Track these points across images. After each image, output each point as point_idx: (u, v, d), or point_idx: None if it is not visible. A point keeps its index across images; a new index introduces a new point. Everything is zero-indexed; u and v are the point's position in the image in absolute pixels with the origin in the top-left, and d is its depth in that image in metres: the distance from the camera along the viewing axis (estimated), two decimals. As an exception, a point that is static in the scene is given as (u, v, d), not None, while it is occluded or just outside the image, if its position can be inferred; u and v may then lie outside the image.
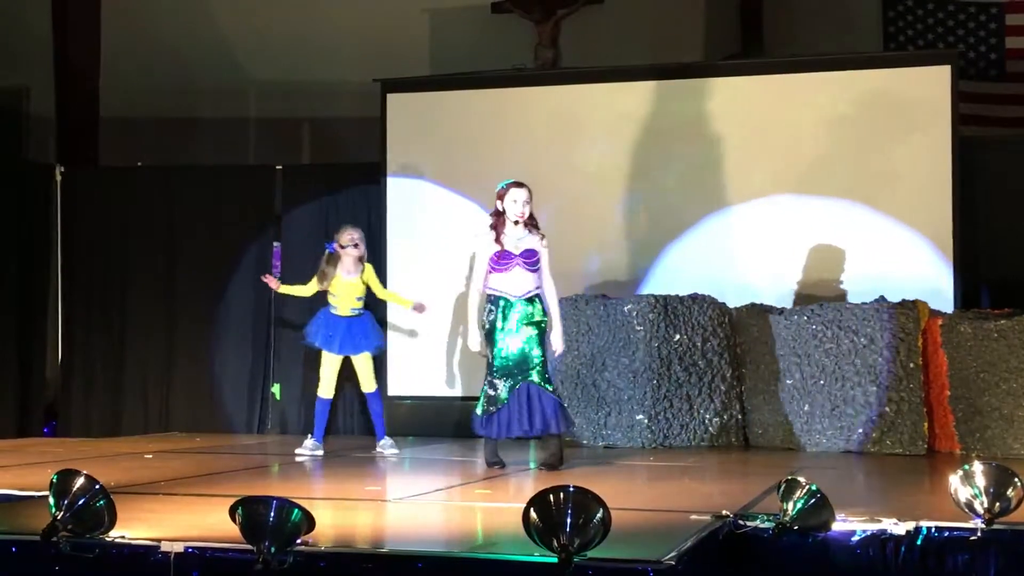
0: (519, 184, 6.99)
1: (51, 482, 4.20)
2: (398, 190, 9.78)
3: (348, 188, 10.03)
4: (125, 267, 10.26)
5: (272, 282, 8.42)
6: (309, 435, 8.16)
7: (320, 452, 8.00)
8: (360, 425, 9.73)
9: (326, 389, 8.13)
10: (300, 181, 10.28)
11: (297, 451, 8.03)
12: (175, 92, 11.74)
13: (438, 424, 9.33)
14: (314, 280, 8.17)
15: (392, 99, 9.84)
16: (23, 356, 10.07)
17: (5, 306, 9.93)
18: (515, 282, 6.86)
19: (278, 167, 10.29)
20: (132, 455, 7.78)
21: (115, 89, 11.48)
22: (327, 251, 8.15)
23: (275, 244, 10.16)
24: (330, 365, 8.11)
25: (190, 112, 11.83)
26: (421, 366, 9.62)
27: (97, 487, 4.16)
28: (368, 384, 8.15)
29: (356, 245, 8.01)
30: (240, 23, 11.81)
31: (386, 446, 8.03)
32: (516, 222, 6.90)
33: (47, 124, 11.50)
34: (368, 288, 8.17)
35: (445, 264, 9.47)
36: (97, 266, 10.30)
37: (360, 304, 8.10)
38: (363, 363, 8.13)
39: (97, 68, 11.43)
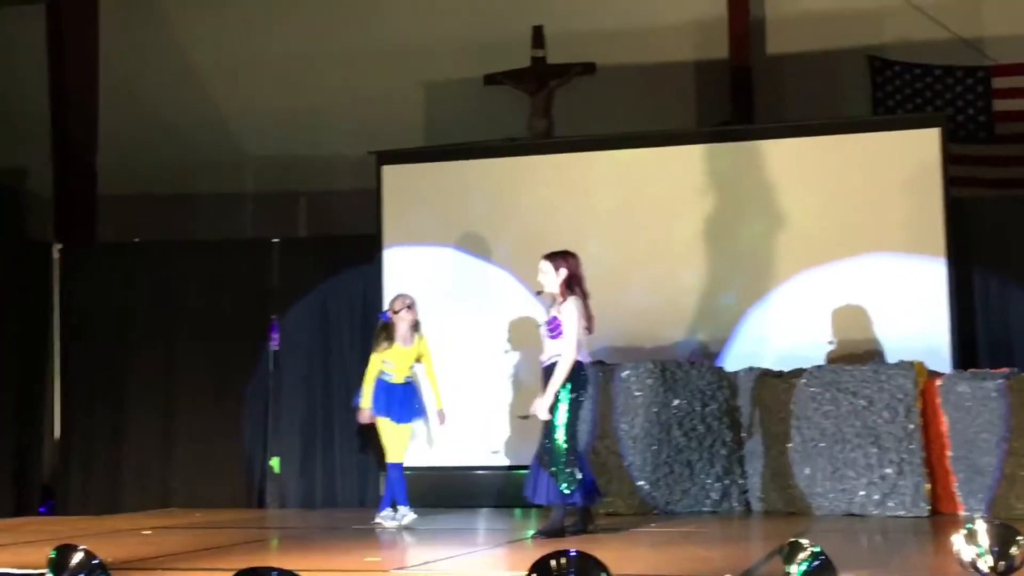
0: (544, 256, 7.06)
1: (50, 558, 4.18)
2: (395, 260, 9.82)
3: (345, 260, 10.08)
4: (123, 343, 10.27)
5: (364, 416, 8.15)
6: (393, 505, 7.97)
7: (412, 516, 7.89)
8: (356, 496, 9.69)
9: (395, 454, 8.02)
10: (297, 254, 10.34)
11: (386, 523, 7.85)
12: (172, 168, 11.85)
13: (435, 495, 9.24)
14: (373, 357, 8.04)
15: (387, 171, 9.93)
16: (21, 434, 10.04)
17: (3, 383, 9.92)
18: (544, 351, 6.96)
19: (275, 240, 10.35)
20: (131, 531, 7.73)
21: (113, 166, 11.59)
22: (380, 320, 8.13)
23: (272, 317, 10.19)
24: (389, 433, 8.03)
25: (187, 188, 11.92)
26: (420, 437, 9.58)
27: (95, 562, 4.15)
28: (399, 455, 8.04)
29: (410, 307, 7.99)
30: (236, 99, 11.95)
31: (406, 517, 7.92)
32: (538, 292, 7.11)
33: (45, 203, 11.59)
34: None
35: (445, 333, 9.47)
36: (95, 342, 10.30)
37: (411, 373, 8.06)
38: (404, 432, 8.06)
39: (95, 145, 11.55)
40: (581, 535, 6.86)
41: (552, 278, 6.96)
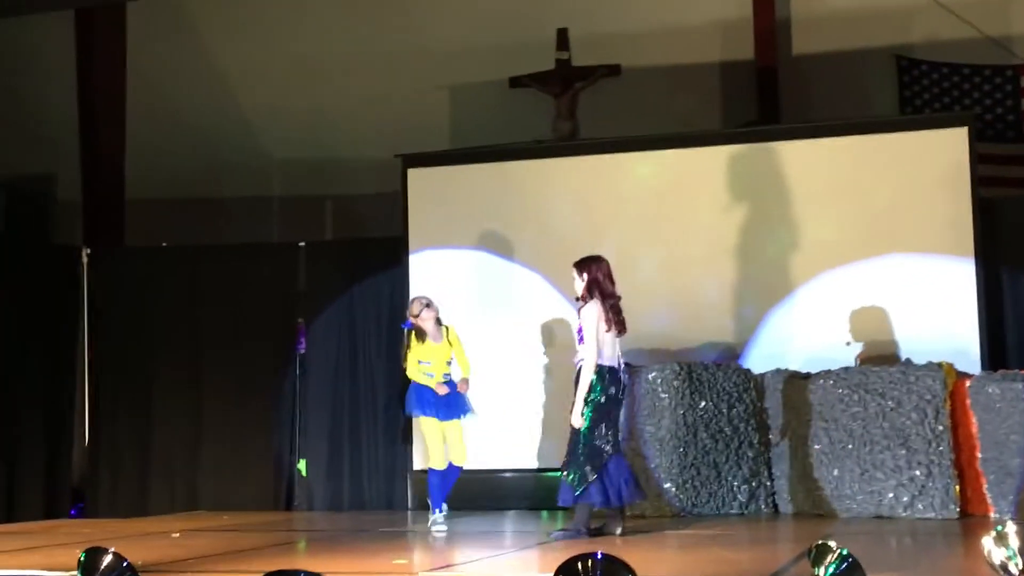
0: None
1: (79, 560, 4.21)
2: (421, 263, 9.83)
3: (371, 263, 10.11)
4: (151, 346, 10.33)
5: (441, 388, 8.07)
6: (436, 510, 7.95)
7: (436, 520, 7.85)
8: (384, 499, 9.71)
9: (437, 460, 7.99)
10: (323, 258, 10.37)
11: (435, 528, 7.81)
12: (199, 172, 11.92)
13: (463, 497, 9.22)
14: (408, 362, 8.04)
15: (413, 174, 9.94)
16: (50, 437, 10.12)
17: (32, 387, 10.01)
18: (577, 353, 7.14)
19: (301, 244, 10.38)
20: (160, 534, 7.77)
21: (140, 170, 11.67)
22: (405, 330, 8.12)
23: (299, 321, 10.22)
24: (432, 433, 8.01)
25: (214, 192, 11.99)
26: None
27: (125, 564, 4.17)
28: (460, 455, 8.00)
29: (428, 306, 7.98)
30: (262, 103, 12.01)
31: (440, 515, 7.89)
32: (576, 299, 7.24)
33: (74, 207, 11.67)
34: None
35: (472, 335, 9.45)
36: (123, 346, 10.36)
37: (450, 369, 8.02)
38: (453, 430, 8.02)
39: (123, 150, 11.63)
40: (603, 536, 6.90)
41: (579, 284, 7.12)
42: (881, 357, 8.65)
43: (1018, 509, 7.62)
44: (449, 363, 8.07)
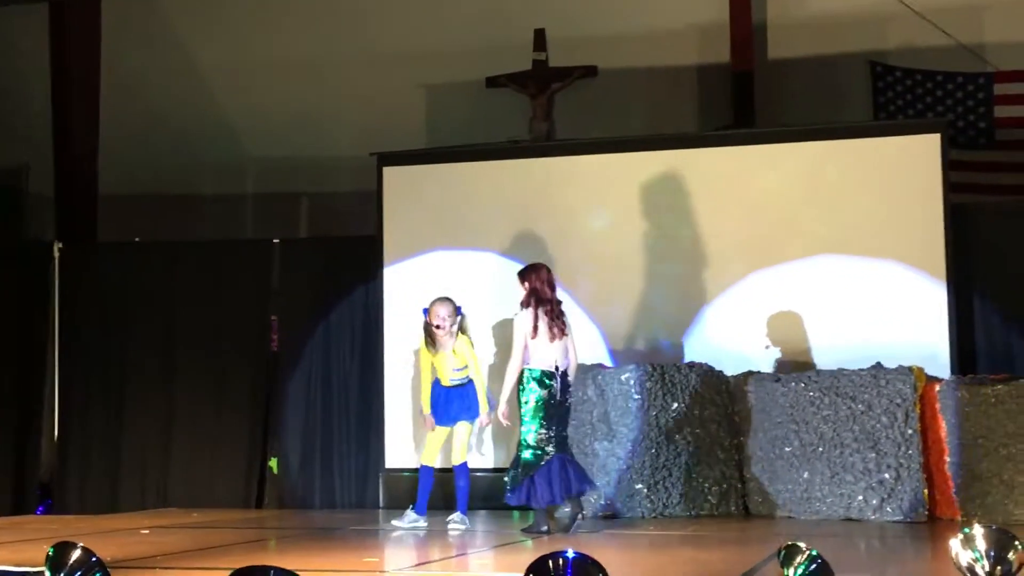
0: None
1: (47, 556, 4.18)
2: (395, 262, 9.81)
3: (346, 261, 10.08)
4: (123, 342, 10.27)
5: (428, 423, 8.00)
6: (411, 507, 7.92)
7: (423, 525, 7.75)
8: (355, 498, 9.69)
9: (427, 456, 7.95)
10: (298, 255, 10.34)
11: (394, 522, 7.82)
12: (174, 168, 11.87)
13: (434, 495, 9.21)
14: (423, 355, 7.96)
15: (388, 172, 9.92)
16: (19, 433, 10.05)
17: (2, 381, 9.92)
18: None
19: (276, 241, 10.35)
20: (128, 531, 7.73)
21: (114, 165, 11.60)
22: (424, 316, 8.03)
23: (273, 318, 10.19)
24: (432, 434, 7.97)
25: (189, 188, 11.94)
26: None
27: (94, 559, 4.15)
28: (455, 455, 7.92)
29: (439, 327, 7.80)
30: (238, 100, 11.97)
31: (454, 520, 7.75)
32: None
33: (46, 202, 11.59)
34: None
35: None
36: (94, 341, 10.30)
37: (460, 375, 7.89)
38: (456, 434, 7.95)
39: (96, 145, 11.55)
40: (569, 530, 7.20)
41: (521, 292, 7.49)
42: (852, 361, 8.66)
43: (987, 512, 7.67)
44: (458, 369, 7.90)
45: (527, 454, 7.27)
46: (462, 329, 7.91)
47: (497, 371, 9.13)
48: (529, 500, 7.28)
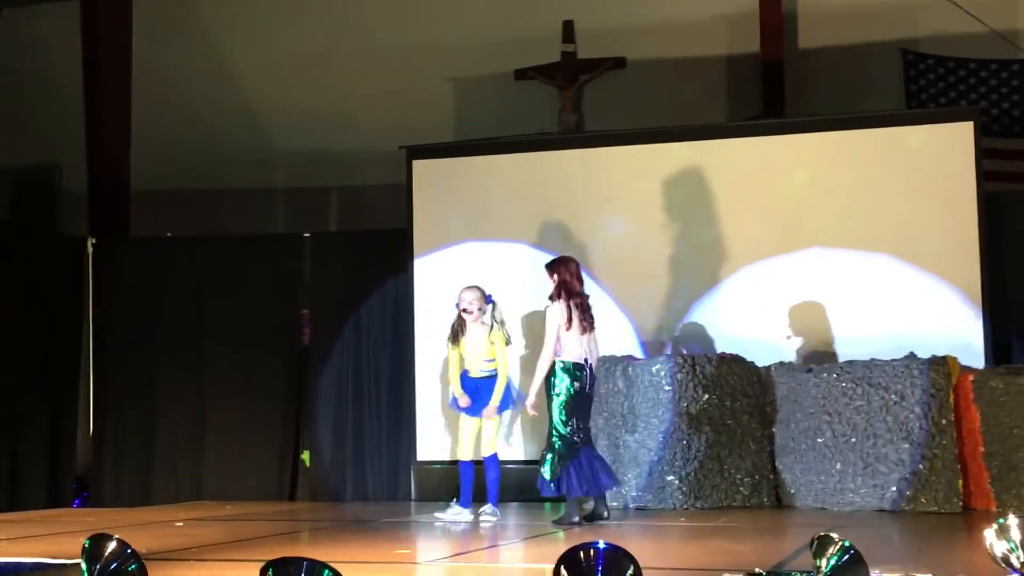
0: None
1: (83, 547, 4.21)
2: (425, 254, 9.83)
3: (376, 254, 10.11)
4: (155, 336, 10.34)
5: (463, 401, 7.90)
6: (454, 499, 7.95)
7: (466, 517, 7.71)
8: (387, 491, 9.72)
9: (463, 451, 7.93)
10: (328, 248, 10.37)
11: (437, 514, 7.83)
12: (205, 163, 11.94)
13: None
14: (449, 348, 7.95)
15: (418, 165, 9.94)
16: (54, 428, 10.14)
17: (37, 378, 10.03)
18: None
19: (306, 235, 10.39)
20: (163, 523, 7.79)
21: (145, 161, 11.67)
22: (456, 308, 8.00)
23: (303, 312, 10.23)
24: (464, 427, 7.95)
25: (219, 183, 12.00)
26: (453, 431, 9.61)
27: (129, 551, 4.16)
28: (485, 447, 7.87)
29: (466, 311, 7.80)
30: (267, 95, 12.02)
31: (485, 512, 7.71)
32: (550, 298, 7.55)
33: (79, 198, 11.68)
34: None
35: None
36: (128, 336, 10.37)
37: (490, 366, 7.84)
38: (485, 425, 7.90)
39: (128, 141, 11.63)
40: (597, 523, 7.27)
41: (550, 285, 7.50)
42: (886, 351, 8.61)
43: (1023, 503, 7.61)
44: (488, 360, 7.84)
45: (560, 445, 7.30)
46: (499, 321, 7.88)
47: (527, 363, 9.16)
48: (566, 491, 7.31)
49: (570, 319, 7.35)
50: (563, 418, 7.31)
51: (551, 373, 7.37)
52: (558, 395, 7.33)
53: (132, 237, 11.30)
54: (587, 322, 7.43)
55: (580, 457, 7.33)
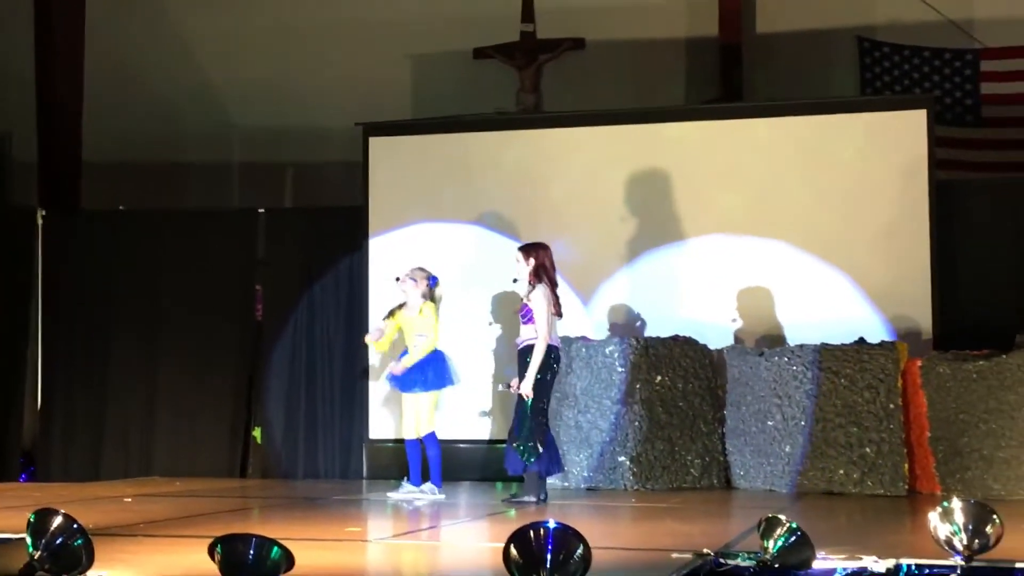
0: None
1: (29, 521, 4.17)
2: (380, 232, 9.79)
3: (331, 231, 10.06)
4: (107, 310, 10.23)
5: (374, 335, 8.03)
6: (404, 478, 7.92)
7: (439, 497, 7.69)
8: (338, 468, 9.70)
9: (405, 430, 7.93)
10: (283, 224, 10.31)
11: (389, 493, 7.83)
12: (159, 137, 11.80)
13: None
14: (385, 322, 8.01)
15: (375, 143, 9.89)
16: (1, 400, 10.01)
17: (-16, 350, 9.91)
18: (520, 334, 7.54)
19: (261, 211, 10.31)
20: (111, 499, 7.73)
21: (98, 133, 11.50)
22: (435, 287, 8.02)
23: (257, 288, 10.17)
24: (404, 405, 7.97)
25: (174, 157, 11.88)
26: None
27: (75, 526, 4.13)
28: (422, 426, 7.80)
29: (398, 279, 7.90)
30: (223, 69, 11.89)
31: (422, 490, 7.73)
32: (514, 280, 7.56)
33: (30, 168, 11.51)
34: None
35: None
36: (78, 310, 10.25)
37: (424, 342, 7.83)
38: (408, 404, 7.92)
39: (80, 112, 11.45)
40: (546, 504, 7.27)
41: (524, 268, 7.49)
42: (836, 335, 8.69)
43: (967, 487, 7.72)
44: (420, 336, 7.86)
45: (534, 425, 7.32)
46: (432, 298, 7.90)
47: (472, 345, 9.17)
48: (541, 469, 7.36)
49: (554, 303, 7.41)
50: (536, 399, 7.34)
51: (526, 355, 7.36)
52: (536, 380, 7.33)
53: (84, 210, 11.15)
54: (558, 307, 7.50)
55: (549, 437, 7.49)
